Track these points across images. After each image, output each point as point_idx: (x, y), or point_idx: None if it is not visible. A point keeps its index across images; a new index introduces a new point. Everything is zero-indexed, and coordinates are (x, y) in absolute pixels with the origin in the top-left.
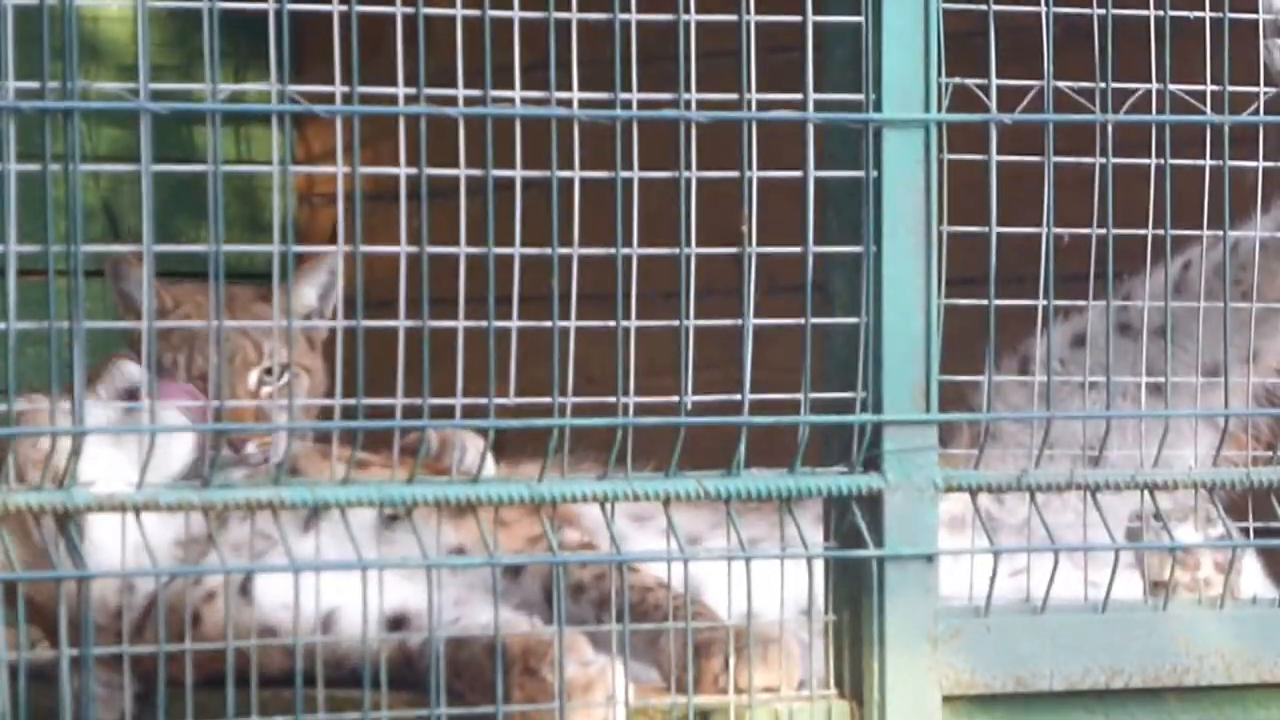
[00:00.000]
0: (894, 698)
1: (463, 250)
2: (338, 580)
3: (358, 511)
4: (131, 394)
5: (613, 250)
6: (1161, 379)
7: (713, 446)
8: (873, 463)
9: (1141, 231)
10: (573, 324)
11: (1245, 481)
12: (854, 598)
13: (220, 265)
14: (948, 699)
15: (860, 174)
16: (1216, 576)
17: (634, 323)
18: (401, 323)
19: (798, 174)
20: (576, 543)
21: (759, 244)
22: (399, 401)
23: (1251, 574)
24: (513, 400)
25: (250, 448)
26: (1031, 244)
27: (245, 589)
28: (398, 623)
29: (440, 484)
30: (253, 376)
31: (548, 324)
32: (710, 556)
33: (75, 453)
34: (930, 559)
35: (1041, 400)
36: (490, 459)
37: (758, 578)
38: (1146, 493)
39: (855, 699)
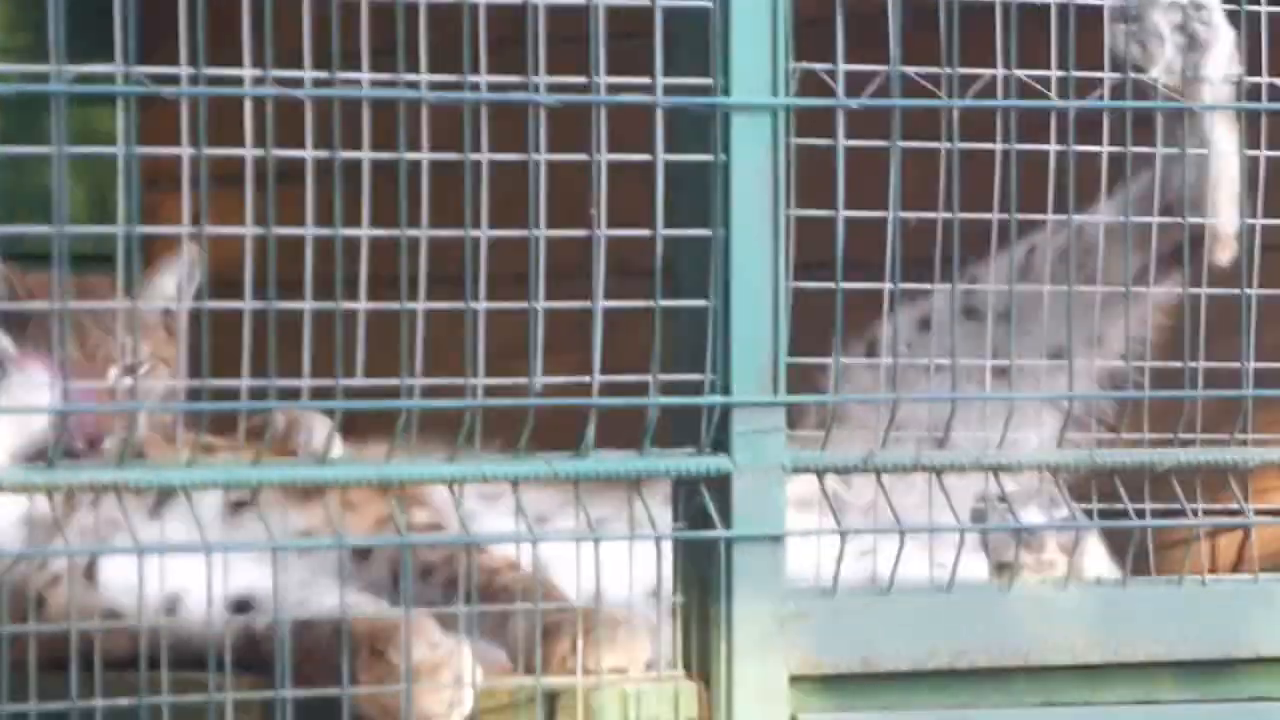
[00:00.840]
0: (741, 678)
1: (309, 231)
2: (183, 564)
3: (205, 496)
4: None
5: (462, 232)
6: (1006, 362)
7: (563, 429)
8: (721, 445)
9: (987, 216)
10: (420, 306)
11: (1089, 463)
12: (702, 579)
13: (65, 248)
14: (795, 679)
15: (709, 158)
16: (1061, 558)
17: (483, 305)
18: (247, 304)
19: (647, 158)
20: (425, 523)
21: (609, 228)
22: (244, 383)
23: (1095, 555)
24: (360, 381)
25: (107, 443)
26: (879, 229)
27: (90, 573)
28: (243, 606)
29: (286, 466)
30: (112, 373)
31: (395, 306)
32: (559, 537)
33: None
34: (778, 540)
35: (888, 383)
36: (338, 440)
37: (606, 559)
38: (991, 475)
39: (703, 680)
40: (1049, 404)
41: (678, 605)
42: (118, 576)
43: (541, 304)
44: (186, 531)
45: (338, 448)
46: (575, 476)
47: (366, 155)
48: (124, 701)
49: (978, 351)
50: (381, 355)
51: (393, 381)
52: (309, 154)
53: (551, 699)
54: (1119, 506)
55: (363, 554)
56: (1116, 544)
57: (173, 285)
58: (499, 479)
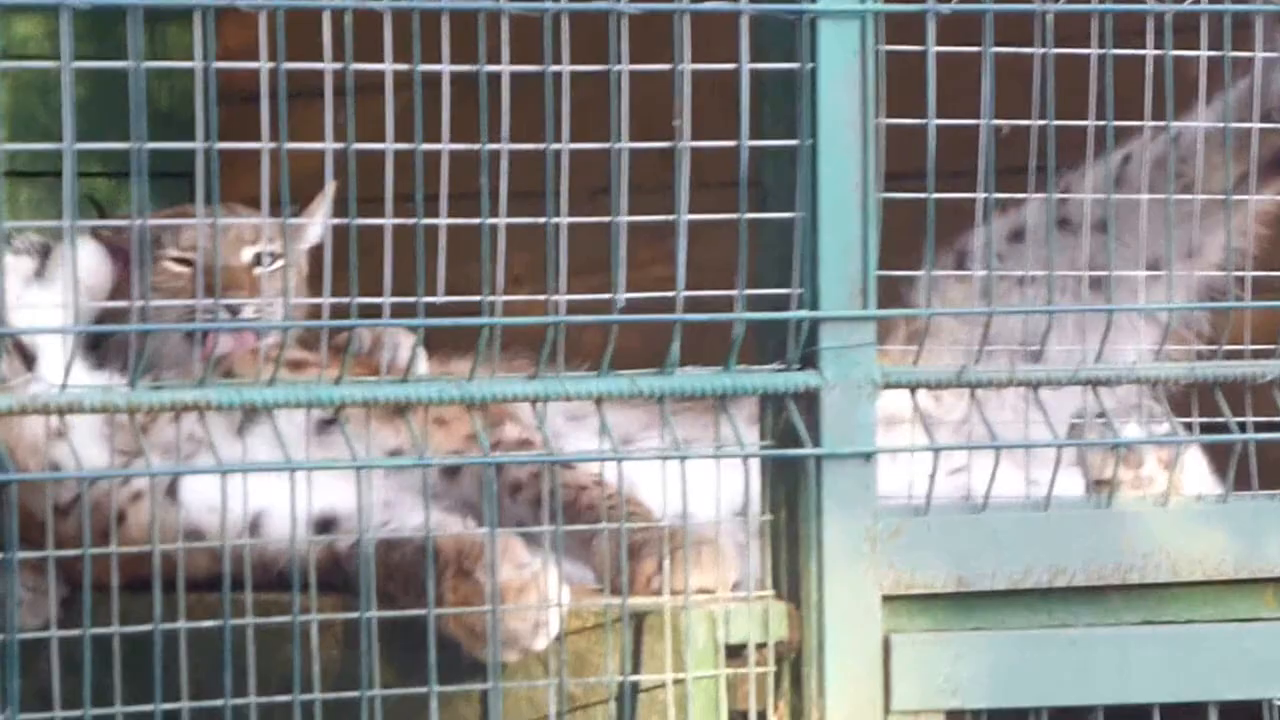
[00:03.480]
0: (833, 599)
1: (389, 147)
2: (267, 483)
3: (291, 415)
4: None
5: (542, 145)
6: (1102, 273)
7: (645, 346)
8: (809, 360)
9: (1082, 123)
10: (502, 220)
11: (1189, 376)
12: (791, 498)
13: (144, 162)
14: (887, 599)
15: (795, 66)
16: (1160, 473)
17: (565, 219)
18: (328, 220)
19: (731, 66)
20: (515, 439)
21: (692, 139)
22: (326, 300)
23: (1195, 470)
24: (441, 298)
25: (248, 310)
26: (970, 138)
27: (172, 491)
28: (326, 525)
29: (369, 384)
30: (247, 253)
31: (476, 221)
32: (645, 456)
33: None
34: (869, 457)
35: (980, 296)
36: (422, 356)
37: (692, 478)
38: (1089, 389)
39: (793, 600)
40: (1146, 317)
41: (766, 525)
42: (200, 495)
43: (624, 218)
44: (271, 450)
45: (422, 364)
46: (660, 393)
47: (446, 68)
48: (207, 624)
49: (1072, 263)
50: (463, 271)
51: (474, 299)
52: (388, 67)
53: (638, 620)
54: (1220, 420)
55: (451, 472)
56: (1217, 459)
57: (319, 230)
58: (582, 396)
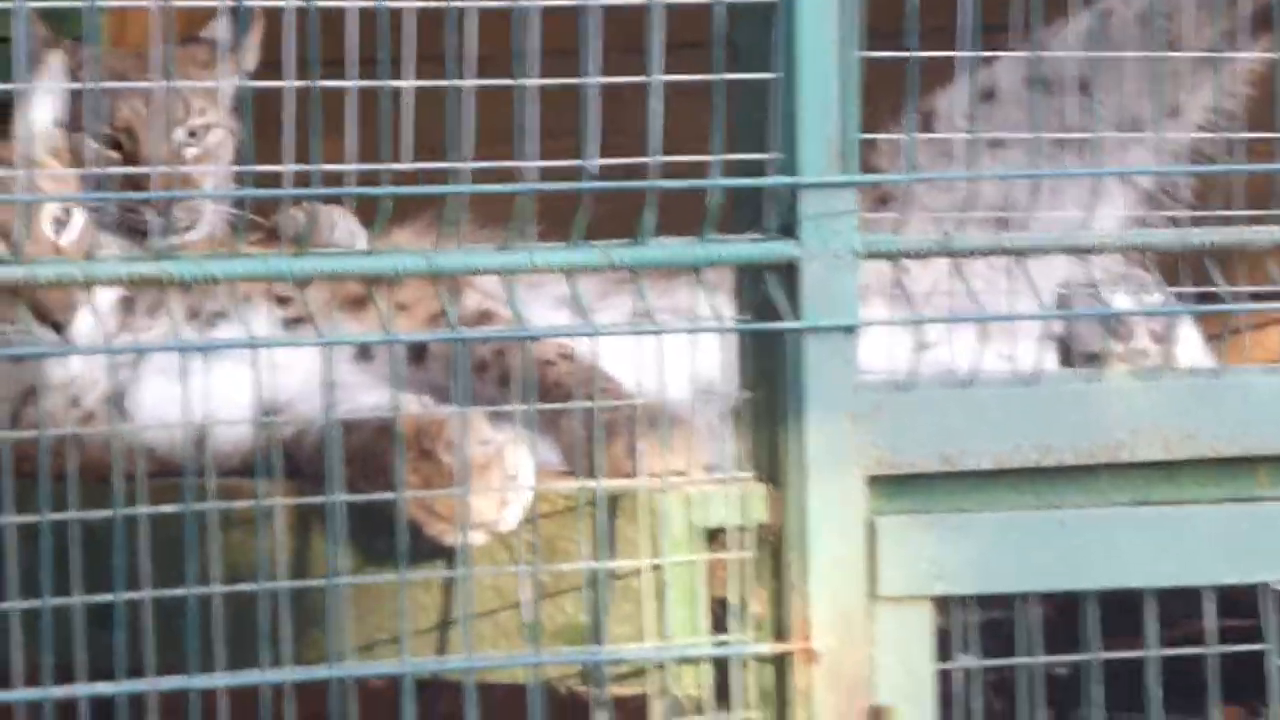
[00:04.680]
0: (815, 480)
1: (351, 4)
2: (221, 388)
3: (258, 310)
4: None
5: (510, 3)
6: (1078, 135)
7: (610, 217)
8: (787, 229)
9: None
10: (470, 82)
11: (1181, 243)
12: (768, 375)
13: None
14: (871, 480)
15: None
16: (1152, 346)
17: (535, 81)
18: (290, 83)
19: None
20: (475, 309)
21: None
22: (288, 168)
23: (1189, 343)
24: (409, 166)
25: (177, 212)
26: None
27: (119, 403)
28: (276, 415)
29: (334, 255)
30: (177, 134)
31: (444, 83)
32: (621, 330)
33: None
34: (851, 331)
35: (945, 159)
36: (363, 235)
37: (656, 354)
38: (1072, 258)
39: (773, 482)
40: (1121, 181)
41: (742, 404)
42: (149, 409)
43: (596, 79)
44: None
45: (363, 242)
46: (634, 264)
47: None
48: (168, 509)
49: (1047, 125)
50: (427, 138)
51: (439, 165)
52: None
53: (610, 503)
54: (1212, 290)
55: (417, 356)
56: (1209, 332)
57: (253, 60)
58: (554, 268)
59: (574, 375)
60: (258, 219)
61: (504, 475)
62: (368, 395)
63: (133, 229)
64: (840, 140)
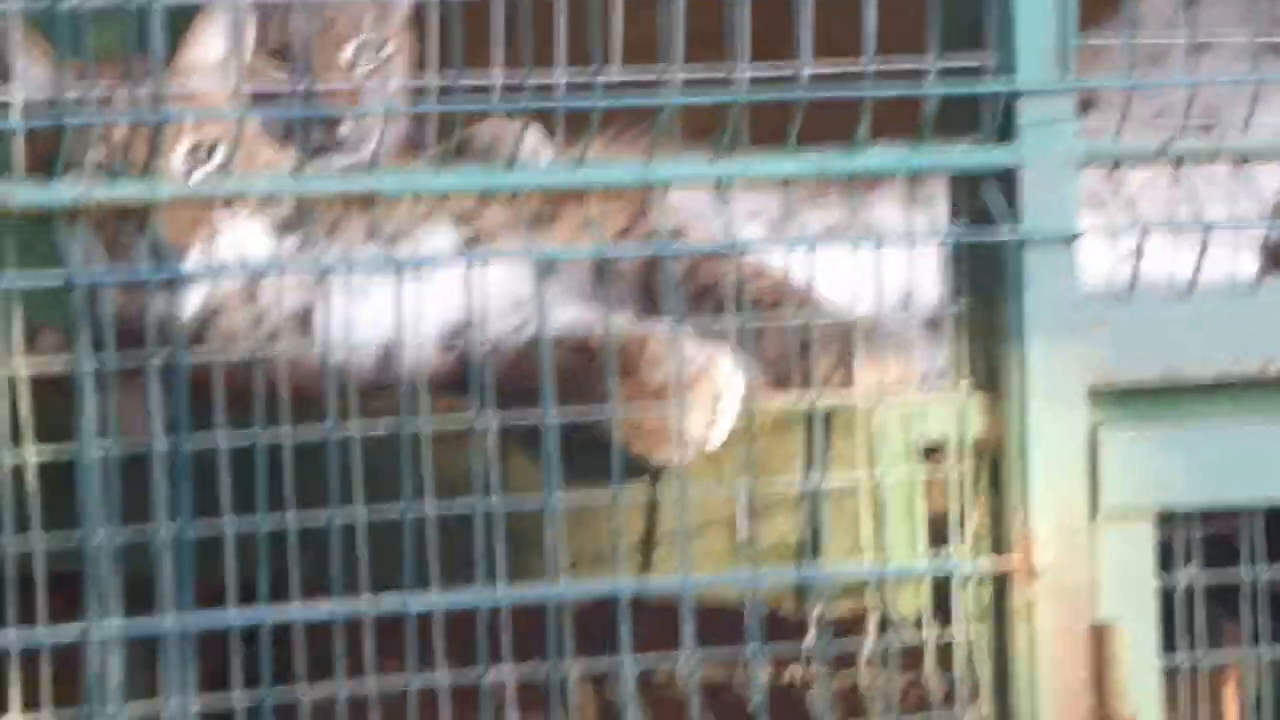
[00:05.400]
0: (1036, 392)
1: None
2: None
3: (435, 235)
4: None
5: None
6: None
7: (817, 124)
8: (1006, 135)
9: None
10: None
11: None
12: (987, 285)
13: None
14: (1093, 392)
15: None
16: None
17: None
18: None
19: None
20: (669, 228)
21: None
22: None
23: None
24: (612, 77)
25: (344, 130)
26: None
27: (306, 322)
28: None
29: (534, 172)
30: (345, 52)
31: None
32: (837, 239)
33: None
34: (1072, 240)
35: (1149, 64)
36: (548, 151)
37: (854, 267)
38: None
39: (991, 394)
40: None
41: (961, 315)
42: (334, 326)
43: None
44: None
45: (548, 159)
46: (851, 173)
47: None
48: (378, 430)
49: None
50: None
51: (640, 78)
52: None
53: (824, 418)
54: None
55: (601, 273)
56: None
57: None
58: (770, 177)
59: (774, 291)
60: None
61: (712, 392)
62: (557, 312)
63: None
64: (1059, 43)
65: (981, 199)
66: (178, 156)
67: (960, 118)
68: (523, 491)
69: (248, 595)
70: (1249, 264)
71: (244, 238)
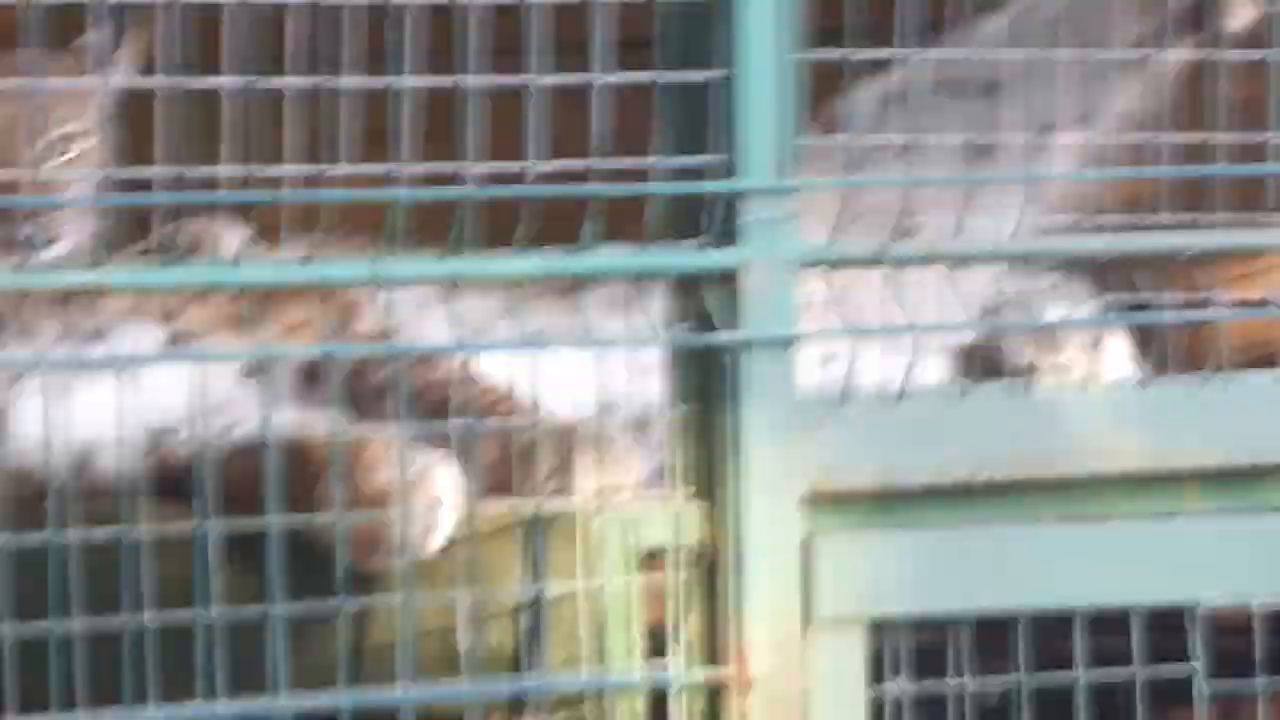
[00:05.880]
0: (751, 499)
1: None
2: (99, 412)
3: (140, 331)
4: None
5: None
6: (987, 140)
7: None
8: (729, 236)
9: None
10: (409, 81)
11: (1114, 250)
12: (704, 388)
13: None
14: (808, 498)
15: None
16: (1080, 358)
17: (475, 78)
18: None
19: None
20: (372, 329)
21: None
22: (156, 171)
23: (1117, 354)
24: (293, 169)
25: (32, 227)
26: None
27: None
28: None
29: (267, 264)
30: (39, 144)
31: (379, 80)
32: (558, 342)
33: None
34: (790, 344)
35: (852, 166)
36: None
37: (556, 372)
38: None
39: (708, 499)
40: (1023, 189)
41: (676, 419)
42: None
43: (539, 77)
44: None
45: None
46: (577, 274)
47: None
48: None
49: (953, 130)
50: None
51: (375, 168)
52: None
53: (543, 526)
54: (1139, 299)
55: (310, 376)
56: (1139, 341)
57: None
58: (494, 277)
59: (489, 395)
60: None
61: (429, 497)
62: (264, 414)
63: None
64: (780, 144)
65: (698, 301)
66: None
67: (679, 221)
68: (237, 600)
69: None
70: (948, 369)
71: None
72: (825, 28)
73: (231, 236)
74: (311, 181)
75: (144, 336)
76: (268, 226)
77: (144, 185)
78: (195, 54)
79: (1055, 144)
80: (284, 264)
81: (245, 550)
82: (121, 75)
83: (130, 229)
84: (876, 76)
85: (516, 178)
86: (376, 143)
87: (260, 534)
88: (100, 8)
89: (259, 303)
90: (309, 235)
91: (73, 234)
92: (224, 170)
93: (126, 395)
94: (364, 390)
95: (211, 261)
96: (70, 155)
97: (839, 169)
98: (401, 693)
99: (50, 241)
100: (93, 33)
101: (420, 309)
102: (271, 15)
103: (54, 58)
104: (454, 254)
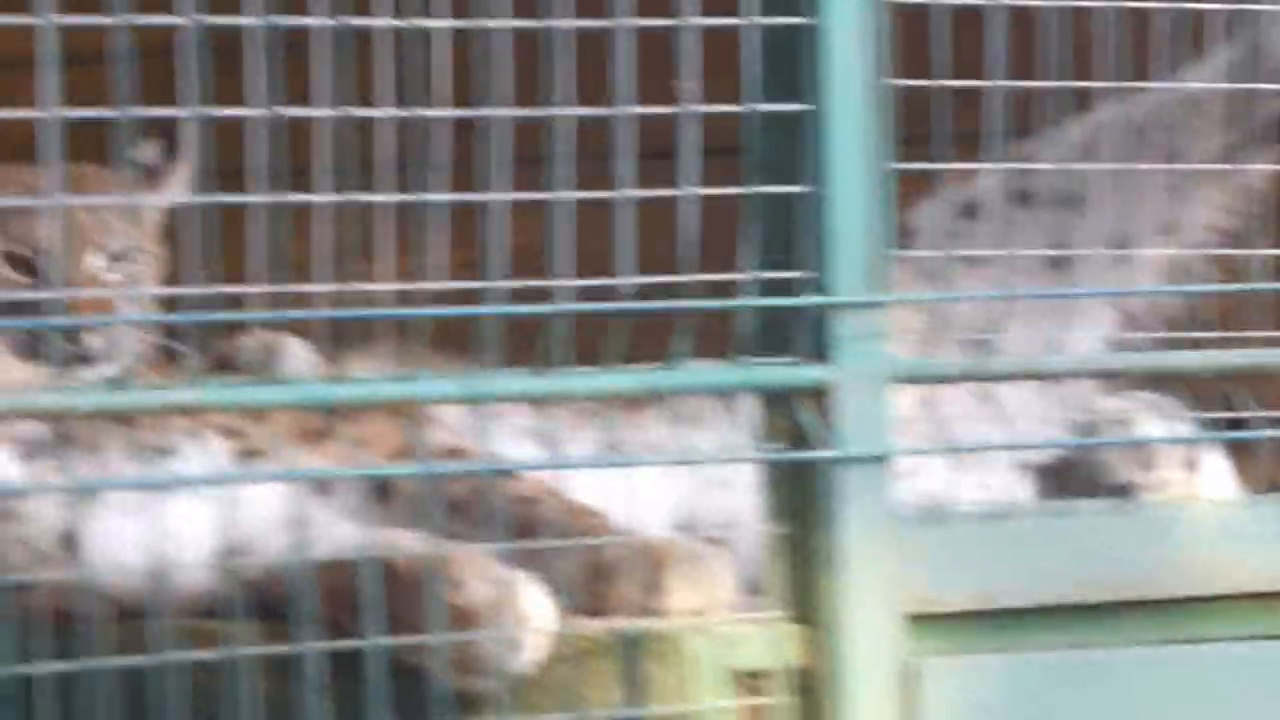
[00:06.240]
0: (850, 620)
1: (255, 113)
2: (180, 520)
3: (206, 449)
4: None
5: (538, 111)
6: (1064, 252)
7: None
8: (819, 352)
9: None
10: (492, 197)
11: (1213, 367)
12: (800, 506)
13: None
14: (909, 619)
15: (800, 21)
16: (1179, 475)
17: (567, 194)
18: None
19: (735, 21)
20: (446, 447)
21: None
22: (219, 289)
23: (1215, 472)
24: (397, 286)
25: (93, 342)
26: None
27: (70, 543)
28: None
29: (297, 385)
30: (94, 260)
31: (469, 196)
32: (652, 461)
33: None
34: (884, 460)
35: (923, 278)
36: (317, 363)
37: (639, 487)
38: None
39: (805, 621)
40: (1107, 302)
41: (770, 537)
42: (101, 547)
43: (630, 191)
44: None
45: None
46: (670, 389)
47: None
48: (135, 660)
49: (1029, 242)
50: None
51: (455, 285)
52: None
53: (633, 644)
54: (1242, 416)
55: (382, 494)
56: (1238, 460)
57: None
58: (590, 395)
59: (562, 513)
60: (177, 348)
61: (517, 616)
62: (333, 531)
63: (39, 358)
64: (874, 256)
65: (790, 416)
66: None
67: (768, 335)
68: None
69: None
70: (1034, 486)
71: None
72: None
73: (292, 349)
74: (403, 297)
75: (209, 453)
76: (318, 337)
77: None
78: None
79: (1137, 257)
80: (375, 382)
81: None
82: (177, 191)
83: (195, 343)
84: (949, 186)
85: (606, 293)
86: (464, 251)
87: (346, 654)
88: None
89: (324, 417)
90: (371, 348)
91: (128, 348)
92: (253, 288)
93: (201, 513)
94: (439, 507)
95: (289, 379)
96: (124, 271)
97: (915, 282)
98: None
99: (110, 356)
100: (146, 147)
101: (490, 422)
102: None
103: (109, 171)
104: (544, 370)
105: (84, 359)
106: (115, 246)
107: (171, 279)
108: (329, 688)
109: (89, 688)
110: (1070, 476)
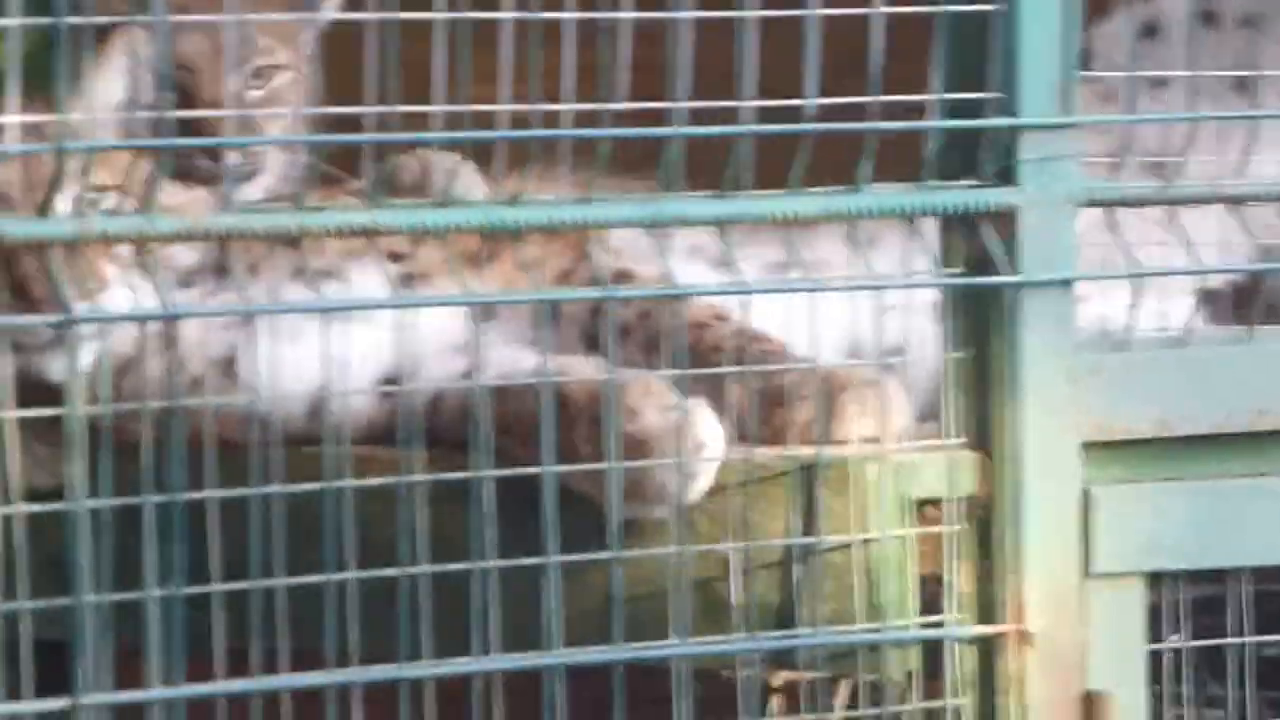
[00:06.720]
0: (1028, 447)
1: None
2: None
3: (367, 274)
4: None
5: None
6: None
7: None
8: (1005, 175)
9: None
10: (678, 15)
11: None
12: (980, 333)
13: None
14: (1087, 446)
15: None
16: None
17: (752, 12)
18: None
19: None
20: (616, 270)
21: None
22: (370, 110)
23: None
24: (570, 106)
25: (233, 158)
26: None
27: (229, 369)
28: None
29: (477, 207)
30: (239, 75)
31: (655, 14)
32: (840, 286)
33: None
34: (1069, 285)
35: (1100, 100)
36: (480, 184)
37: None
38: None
39: (982, 449)
40: None
41: (949, 365)
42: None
43: (818, 10)
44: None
45: (480, 194)
46: (850, 212)
47: None
48: (306, 486)
49: (1215, 62)
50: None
51: (648, 105)
52: None
53: (807, 473)
54: None
55: (550, 318)
56: None
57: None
58: (773, 218)
59: (732, 338)
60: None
61: (691, 444)
62: (500, 355)
63: (187, 176)
64: (1062, 79)
65: (973, 241)
66: (64, 204)
67: (953, 160)
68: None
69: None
70: (1182, 312)
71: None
72: None
73: (463, 169)
74: (584, 118)
75: (373, 277)
76: (478, 156)
77: (349, 122)
78: None
79: None
80: (559, 205)
81: (502, 498)
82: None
83: (358, 163)
84: (1132, 7)
85: (790, 114)
86: (647, 77)
87: (516, 481)
88: None
89: (490, 240)
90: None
91: (266, 169)
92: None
93: (358, 339)
94: (600, 331)
95: (466, 201)
96: (268, 88)
97: (1094, 104)
98: (673, 646)
99: (252, 175)
100: None
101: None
102: None
103: None
104: (728, 193)
105: (225, 176)
106: (261, 63)
107: (325, 100)
108: (499, 515)
109: (258, 515)
110: (1251, 303)
